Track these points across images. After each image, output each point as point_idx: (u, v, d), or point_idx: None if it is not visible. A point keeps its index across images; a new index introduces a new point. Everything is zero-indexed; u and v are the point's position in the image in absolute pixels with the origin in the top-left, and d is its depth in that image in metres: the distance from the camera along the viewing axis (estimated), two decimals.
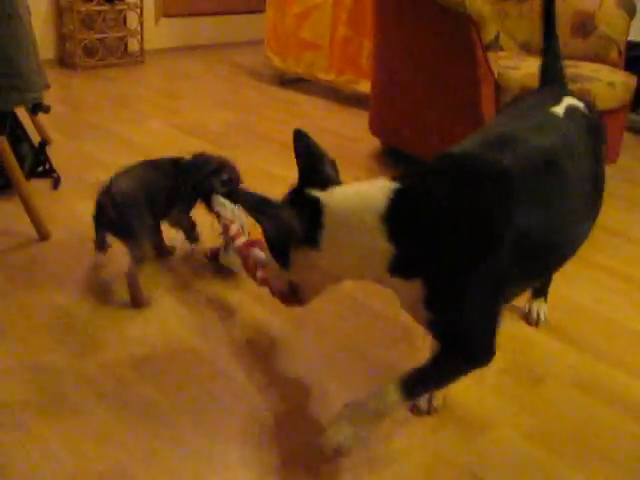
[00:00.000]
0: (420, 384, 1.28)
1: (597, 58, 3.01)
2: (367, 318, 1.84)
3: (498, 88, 2.51)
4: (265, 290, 1.59)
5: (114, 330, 1.71)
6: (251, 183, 2.60)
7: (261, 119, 3.64)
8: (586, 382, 1.64)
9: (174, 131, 3.30)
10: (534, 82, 2.50)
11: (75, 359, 1.58)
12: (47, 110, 2.50)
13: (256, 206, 1.23)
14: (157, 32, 5.13)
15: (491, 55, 2.54)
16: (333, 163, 1.32)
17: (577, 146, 1.39)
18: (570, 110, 1.48)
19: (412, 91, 2.80)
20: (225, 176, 1.97)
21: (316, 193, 1.24)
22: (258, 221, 1.25)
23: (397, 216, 1.17)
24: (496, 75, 2.50)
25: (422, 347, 1.62)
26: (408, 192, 1.20)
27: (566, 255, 1.42)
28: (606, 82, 2.70)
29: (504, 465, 1.38)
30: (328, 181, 1.27)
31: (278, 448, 1.37)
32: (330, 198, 1.23)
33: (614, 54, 3.00)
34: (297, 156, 1.32)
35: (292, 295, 1.41)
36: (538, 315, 1.84)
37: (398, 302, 1.29)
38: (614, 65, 2.98)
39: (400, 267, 1.19)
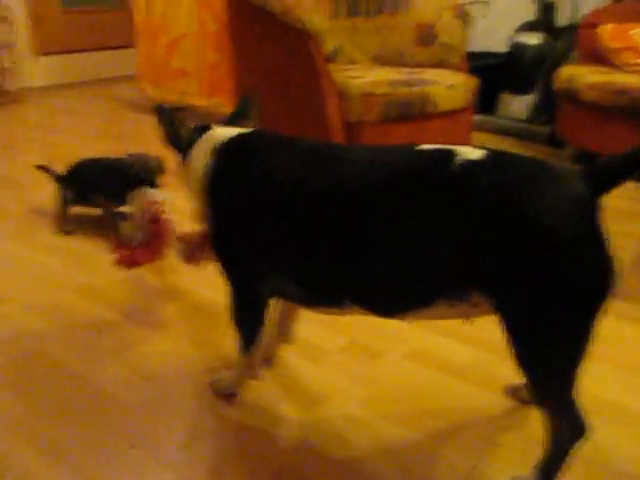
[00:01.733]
0: None
1: (441, 64, 3.24)
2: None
3: (342, 96, 2.68)
4: None
5: None
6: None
7: (139, 145, 3.70)
8: (417, 352, 1.79)
9: (48, 163, 3.32)
10: (374, 89, 2.71)
11: None
12: None
13: (165, 117, 1.52)
14: (36, 70, 5.13)
15: (335, 67, 2.72)
16: (256, 118, 1.62)
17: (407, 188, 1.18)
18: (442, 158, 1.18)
19: (268, 109, 2.94)
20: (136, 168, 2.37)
21: (215, 126, 1.53)
22: (160, 127, 1.53)
23: (219, 152, 1.43)
24: (339, 84, 2.67)
25: None
26: (234, 139, 1.44)
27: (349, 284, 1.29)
28: (446, 85, 2.92)
29: (337, 432, 1.49)
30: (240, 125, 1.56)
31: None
32: (213, 129, 1.51)
33: (455, 59, 3.24)
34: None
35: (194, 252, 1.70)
36: None
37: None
38: (457, 69, 3.22)
39: (205, 191, 1.44)
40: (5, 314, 1.91)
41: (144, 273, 2.19)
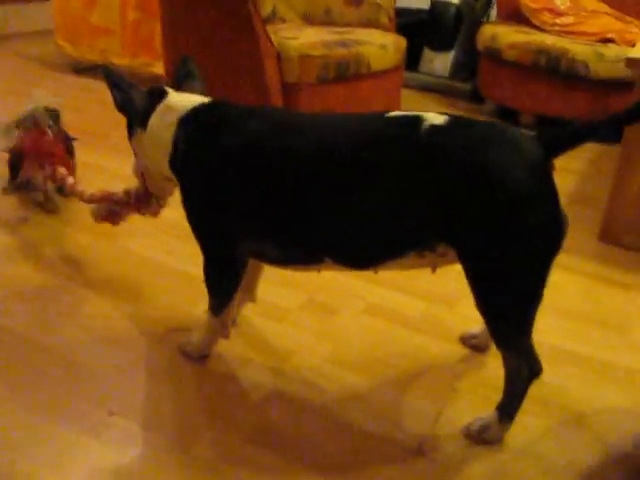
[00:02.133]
0: None
1: (370, 24, 3.30)
2: None
3: (280, 58, 2.70)
4: None
5: None
6: None
7: (62, 110, 3.59)
8: (374, 307, 1.89)
9: None
10: (312, 50, 2.74)
11: None
12: None
13: (115, 80, 1.51)
14: None
15: (270, 28, 2.73)
16: (201, 83, 1.63)
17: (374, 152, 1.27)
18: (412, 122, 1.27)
19: (204, 72, 2.91)
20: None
21: (169, 90, 1.53)
22: (112, 92, 1.51)
23: (182, 124, 1.45)
24: (277, 46, 2.69)
25: None
26: (197, 110, 1.46)
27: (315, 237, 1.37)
28: (378, 45, 2.99)
29: (305, 383, 1.58)
30: (190, 89, 1.58)
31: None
32: (170, 97, 1.50)
33: (385, 19, 3.31)
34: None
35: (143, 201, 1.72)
36: None
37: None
38: (385, 29, 3.29)
39: (172, 164, 1.48)
40: None
41: (93, 239, 2.17)
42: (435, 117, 1.26)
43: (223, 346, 1.67)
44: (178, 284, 1.94)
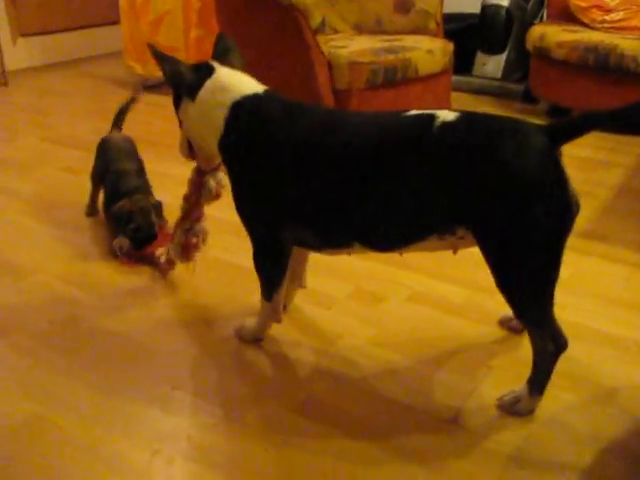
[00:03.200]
0: None
1: (418, 31, 3.42)
2: None
3: (330, 66, 2.85)
4: None
5: None
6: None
7: (129, 123, 3.83)
8: (418, 295, 2.00)
9: (47, 145, 3.47)
10: (360, 57, 2.88)
11: None
12: None
13: (163, 56, 1.59)
14: (16, 52, 5.20)
15: (322, 38, 2.88)
16: (240, 58, 1.70)
17: (396, 151, 1.41)
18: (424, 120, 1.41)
19: (260, 79, 3.09)
20: (132, 225, 2.17)
21: (216, 65, 1.62)
22: (161, 65, 1.59)
23: (236, 109, 1.56)
24: (327, 55, 2.84)
25: None
26: (251, 100, 1.57)
27: (359, 224, 1.49)
28: (425, 50, 3.10)
29: (349, 362, 1.71)
30: (231, 64, 1.65)
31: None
32: (219, 74, 1.59)
33: (432, 25, 3.42)
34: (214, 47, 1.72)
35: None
36: None
37: None
38: (434, 35, 3.40)
39: (222, 146, 1.59)
40: (42, 283, 2.09)
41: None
42: (447, 114, 1.39)
43: (275, 330, 1.82)
44: (234, 277, 2.10)
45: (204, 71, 1.61)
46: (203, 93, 1.59)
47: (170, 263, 2.07)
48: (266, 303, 1.73)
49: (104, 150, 2.52)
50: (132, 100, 2.71)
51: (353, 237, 1.53)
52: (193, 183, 1.87)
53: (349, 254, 1.61)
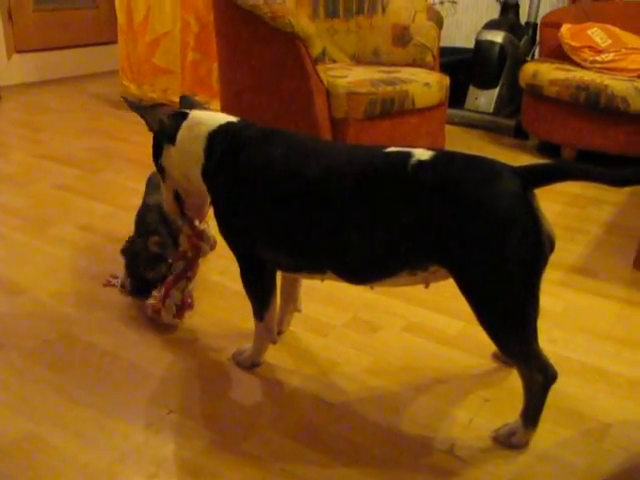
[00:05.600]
0: None
1: (415, 63, 3.47)
2: None
3: (329, 95, 2.89)
4: None
5: None
6: (119, 199, 2.85)
7: (122, 143, 3.86)
8: (414, 326, 2.02)
9: (41, 160, 3.47)
10: (359, 88, 2.92)
11: None
12: None
13: (141, 107, 1.75)
14: (11, 68, 5.21)
15: (321, 67, 2.92)
16: (203, 106, 1.86)
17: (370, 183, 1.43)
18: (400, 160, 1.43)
19: (257, 107, 3.13)
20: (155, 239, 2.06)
21: (189, 111, 1.73)
22: (143, 117, 1.72)
23: (213, 137, 1.64)
24: (326, 84, 2.88)
25: None
26: (226, 127, 1.65)
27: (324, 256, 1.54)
28: (422, 83, 3.15)
29: (346, 391, 1.71)
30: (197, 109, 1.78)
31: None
32: (193, 114, 1.70)
33: (429, 59, 3.48)
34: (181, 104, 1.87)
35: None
36: None
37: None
38: (430, 68, 3.46)
39: (204, 174, 1.65)
40: (36, 300, 2.08)
41: None
42: (422, 153, 1.42)
43: (271, 356, 1.82)
44: (231, 301, 2.11)
45: (180, 116, 1.71)
46: (181, 133, 1.68)
47: (157, 313, 1.93)
48: (259, 324, 1.75)
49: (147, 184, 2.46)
50: None
51: (326, 265, 1.56)
52: (189, 239, 1.88)
53: (322, 280, 1.65)
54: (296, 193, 1.50)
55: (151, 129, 1.74)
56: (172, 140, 1.69)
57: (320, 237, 1.50)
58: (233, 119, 1.69)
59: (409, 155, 1.42)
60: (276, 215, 1.54)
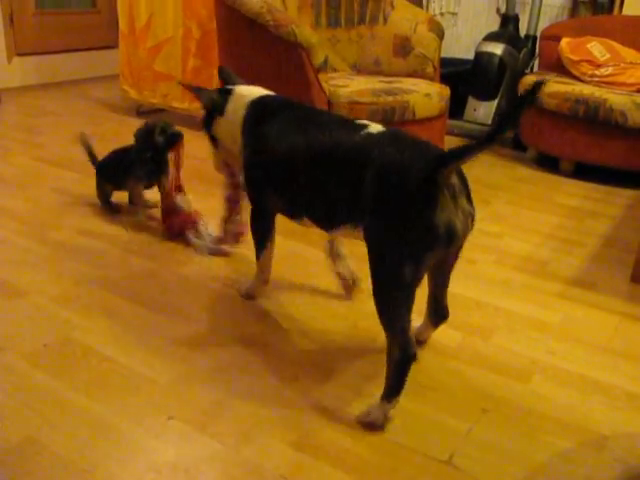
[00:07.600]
0: None
1: (416, 74, 3.49)
2: None
3: (330, 104, 2.90)
4: None
5: None
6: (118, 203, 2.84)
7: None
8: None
9: (40, 164, 3.47)
10: (360, 97, 2.93)
11: None
12: None
13: (198, 90, 2.14)
14: (11, 71, 5.21)
15: (323, 76, 2.94)
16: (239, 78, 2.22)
17: (344, 153, 1.68)
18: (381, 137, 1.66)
19: None
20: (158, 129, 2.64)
21: (233, 87, 2.10)
22: (198, 97, 2.13)
23: (250, 107, 2.00)
24: (327, 93, 2.89)
25: None
26: (259, 99, 2.02)
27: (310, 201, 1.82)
28: (423, 93, 3.17)
29: (352, 401, 1.71)
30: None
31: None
32: (237, 90, 2.08)
33: (430, 69, 3.50)
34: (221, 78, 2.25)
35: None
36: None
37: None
38: (431, 79, 3.47)
39: (242, 133, 2.00)
40: (36, 304, 2.08)
41: (155, 267, 2.37)
42: (376, 127, 1.68)
43: (273, 364, 1.83)
44: (229, 305, 2.11)
45: (226, 92, 2.08)
46: (229, 106, 2.05)
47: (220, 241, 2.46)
48: (257, 262, 2.11)
49: None
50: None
51: (303, 211, 1.86)
52: (232, 185, 2.31)
53: (305, 226, 1.91)
54: (285, 156, 1.82)
55: (205, 106, 2.10)
56: (222, 112, 2.06)
57: (299, 189, 1.81)
58: (267, 93, 2.05)
59: (364, 126, 1.69)
60: (274, 170, 1.87)
